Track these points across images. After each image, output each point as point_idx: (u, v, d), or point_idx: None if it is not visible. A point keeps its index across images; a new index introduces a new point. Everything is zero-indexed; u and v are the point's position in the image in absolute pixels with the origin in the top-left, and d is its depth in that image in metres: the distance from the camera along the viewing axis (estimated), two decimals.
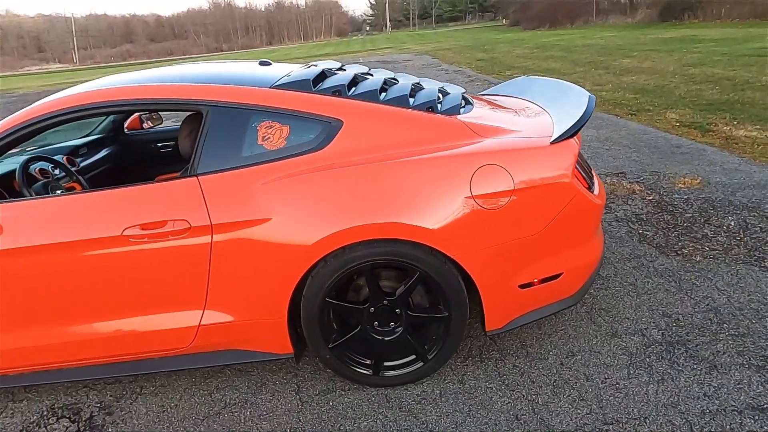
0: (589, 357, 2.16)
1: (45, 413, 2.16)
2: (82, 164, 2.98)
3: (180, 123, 2.32)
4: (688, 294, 2.53)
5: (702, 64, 9.91)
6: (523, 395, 1.99)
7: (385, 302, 2.00)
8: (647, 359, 2.11)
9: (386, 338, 2.04)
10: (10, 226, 1.97)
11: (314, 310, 1.96)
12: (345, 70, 2.42)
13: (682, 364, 2.07)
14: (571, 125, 1.98)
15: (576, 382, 2.03)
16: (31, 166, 2.52)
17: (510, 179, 1.89)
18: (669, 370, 2.04)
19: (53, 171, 2.66)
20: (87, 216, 1.94)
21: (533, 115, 2.31)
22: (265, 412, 2.04)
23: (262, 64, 2.52)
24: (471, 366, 2.18)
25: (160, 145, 3.42)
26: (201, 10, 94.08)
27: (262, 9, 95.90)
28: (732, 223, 3.23)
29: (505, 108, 2.46)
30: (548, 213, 1.96)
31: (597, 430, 1.80)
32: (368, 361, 2.08)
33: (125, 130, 3.41)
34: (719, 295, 2.50)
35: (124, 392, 2.24)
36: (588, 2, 35.24)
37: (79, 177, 2.73)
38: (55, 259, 1.94)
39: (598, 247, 2.17)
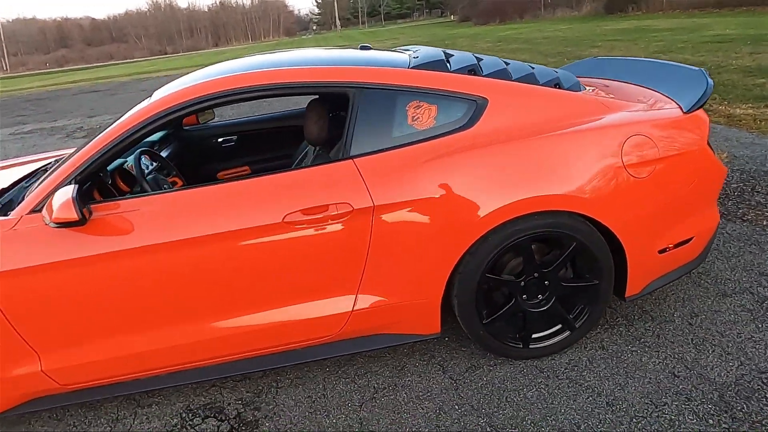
0: (713, 316, 2.28)
1: (184, 415, 2.08)
2: None
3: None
4: None
5: (669, 51, 10.46)
6: (670, 354, 2.09)
7: (535, 275, 2.04)
8: None
9: (537, 310, 2.08)
10: (145, 221, 1.88)
11: (472, 287, 1.98)
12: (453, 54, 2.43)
13: None
14: (700, 96, 2.08)
15: (713, 339, 2.14)
16: (127, 163, 2.40)
17: (656, 148, 1.98)
18: None
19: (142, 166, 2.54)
20: (243, 204, 1.87)
21: (637, 91, 2.40)
22: (421, 393, 2.05)
23: (363, 48, 2.50)
24: (604, 333, 2.26)
25: (221, 140, 3.32)
26: (140, 12, 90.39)
27: (206, 9, 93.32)
28: None
29: (606, 86, 2.55)
30: (688, 179, 2.06)
31: (756, 378, 1.92)
32: (517, 334, 2.12)
33: (183, 127, 3.29)
34: None
35: (260, 387, 2.18)
36: None
37: (178, 171, 2.62)
38: (205, 252, 1.87)
39: (717, 210, 2.29)
